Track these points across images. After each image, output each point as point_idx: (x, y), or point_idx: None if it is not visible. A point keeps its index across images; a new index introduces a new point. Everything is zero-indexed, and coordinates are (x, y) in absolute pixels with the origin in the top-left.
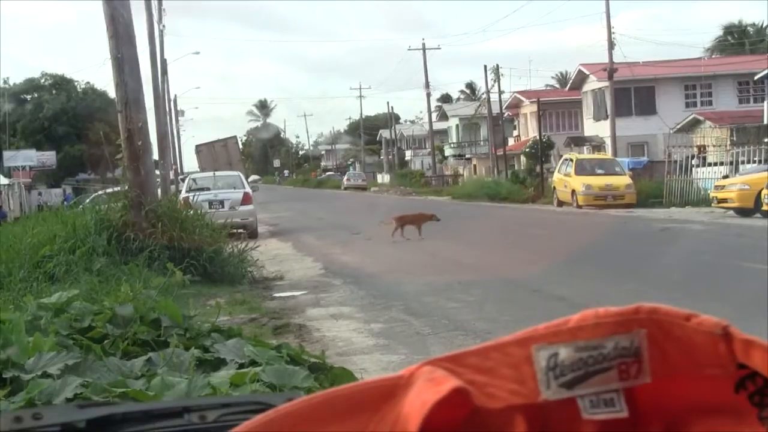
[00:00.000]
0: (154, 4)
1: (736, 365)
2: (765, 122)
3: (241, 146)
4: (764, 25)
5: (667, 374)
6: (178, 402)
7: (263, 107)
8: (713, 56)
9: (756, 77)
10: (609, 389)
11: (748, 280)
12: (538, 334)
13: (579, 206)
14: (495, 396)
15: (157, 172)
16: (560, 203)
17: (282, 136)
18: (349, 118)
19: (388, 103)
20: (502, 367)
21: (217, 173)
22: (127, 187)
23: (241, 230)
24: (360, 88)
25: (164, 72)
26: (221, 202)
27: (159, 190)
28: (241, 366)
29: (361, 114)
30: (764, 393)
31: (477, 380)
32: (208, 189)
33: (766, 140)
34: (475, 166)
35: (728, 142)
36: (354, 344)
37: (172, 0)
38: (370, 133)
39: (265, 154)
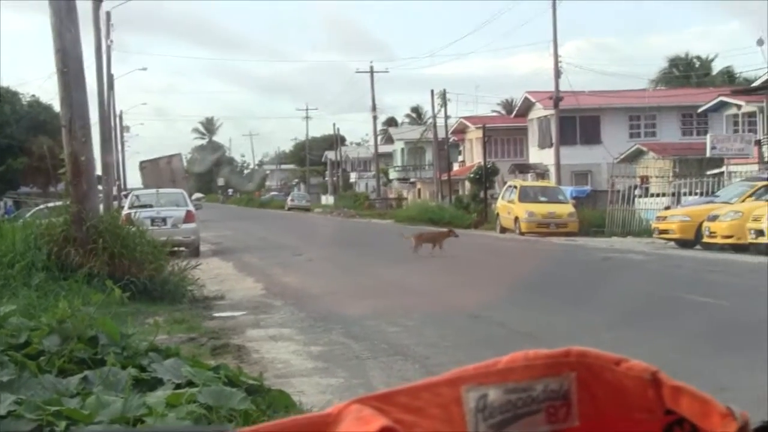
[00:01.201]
0: (102, 18)
1: (665, 411)
2: (707, 155)
3: (185, 164)
4: (710, 59)
5: (595, 418)
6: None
7: (209, 125)
8: (658, 88)
9: (699, 110)
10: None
11: (689, 312)
12: (468, 374)
13: (522, 233)
14: None
15: (100, 187)
16: (503, 230)
17: (227, 154)
18: (295, 139)
19: (334, 124)
20: (431, 407)
21: (161, 190)
22: (69, 202)
23: (182, 248)
24: (307, 109)
25: (110, 87)
26: (164, 220)
27: (101, 206)
28: (178, 386)
29: (307, 135)
30: None
31: (405, 419)
32: (151, 206)
33: (707, 173)
34: (419, 189)
35: (671, 174)
36: (293, 366)
37: (120, 15)
38: (315, 154)
39: (210, 173)
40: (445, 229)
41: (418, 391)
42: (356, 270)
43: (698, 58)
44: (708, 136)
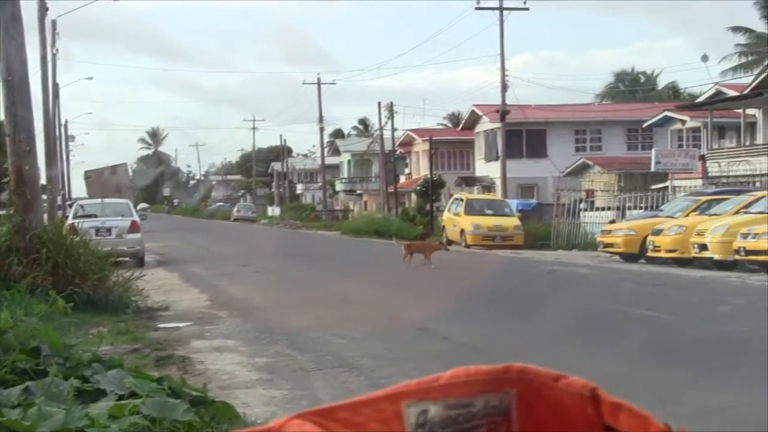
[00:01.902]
0: (48, 27)
1: (604, 427)
2: (652, 169)
3: (131, 174)
4: (655, 74)
5: None
6: None
7: (155, 135)
8: (604, 102)
9: (644, 125)
10: None
11: (633, 326)
12: (409, 390)
13: (467, 246)
14: None
15: (44, 197)
16: (449, 242)
17: (173, 165)
18: (242, 150)
19: (281, 136)
20: (371, 422)
21: (105, 200)
22: (12, 212)
23: (127, 259)
24: (253, 120)
25: (56, 96)
26: (108, 230)
27: (45, 216)
28: (121, 397)
29: (254, 146)
30: None
31: None
32: (96, 216)
33: (652, 187)
34: (366, 201)
35: (616, 188)
36: (237, 378)
37: (66, 24)
38: (262, 166)
39: (156, 183)
40: (436, 242)
41: (358, 406)
42: (302, 282)
43: (644, 73)
44: (653, 151)
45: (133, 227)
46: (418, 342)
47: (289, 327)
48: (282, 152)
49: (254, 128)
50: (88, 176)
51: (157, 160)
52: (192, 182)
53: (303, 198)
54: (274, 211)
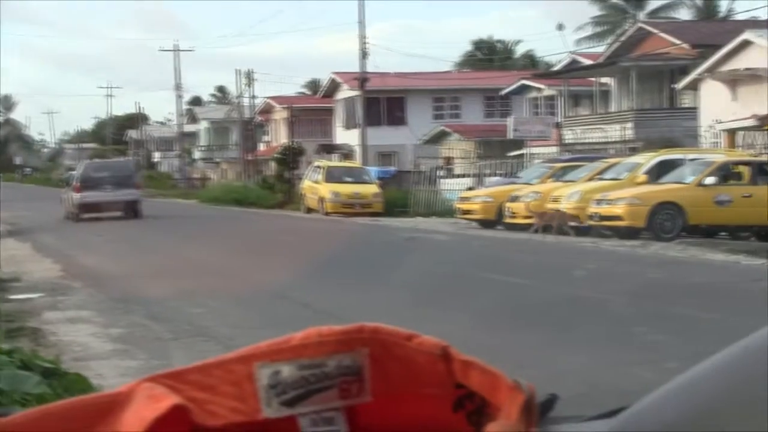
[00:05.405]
0: None
1: (455, 385)
2: (509, 137)
3: None
4: (513, 43)
5: (388, 393)
6: None
7: (6, 102)
8: (463, 70)
9: (502, 93)
10: (330, 407)
11: (490, 291)
12: (261, 351)
13: (327, 213)
14: (216, 413)
15: None
16: (309, 210)
17: (25, 132)
18: (97, 117)
19: (137, 103)
20: (223, 384)
21: None
22: None
23: None
24: (109, 87)
25: None
26: None
27: None
28: None
29: (109, 113)
30: (482, 413)
31: (198, 397)
32: None
33: (509, 154)
34: (224, 170)
35: (474, 155)
36: (91, 349)
37: None
38: (117, 134)
39: (6, 151)
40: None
41: (210, 368)
42: (159, 251)
43: (501, 41)
44: (510, 119)
45: None
46: (277, 309)
47: (145, 296)
48: (138, 119)
49: (110, 95)
50: None
51: (8, 127)
52: (45, 150)
53: (160, 166)
54: None
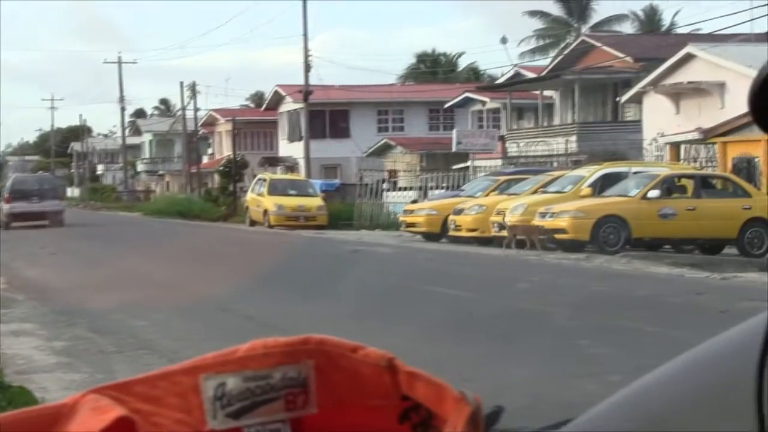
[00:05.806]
0: None
1: (401, 397)
2: (453, 149)
3: None
4: (456, 55)
5: (334, 405)
6: None
7: None
8: (406, 83)
9: (446, 106)
10: (276, 419)
11: (434, 304)
12: (206, 363)
13: (271, 226)
14: (161, 425)
15: None
16: (253, 222)
17: None
18: (40, 129)
19: (81, 115)
20: (169, 396)
21: None
22: None
23: None
24: (52, 99)
25: None
26: None
27: None
28: None
29: (53, 125)
30: (427, 425)
31: (143, 409)
32: None
33: (453, 167)
34: (168, 182)
35: (418, 168)
36: (35, 362)
37: None
38: (61, 146)
39: None
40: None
41: (155, 380)
42: (102, 263)
43: (444, 54)
44: (454, 131)
45: None
46: (220, 322)
47: (88, 309)
48: (81, 132)
49: (53, 108)
50: None
51: None
52: None
53: (104, 179)
54: (73, 192)
